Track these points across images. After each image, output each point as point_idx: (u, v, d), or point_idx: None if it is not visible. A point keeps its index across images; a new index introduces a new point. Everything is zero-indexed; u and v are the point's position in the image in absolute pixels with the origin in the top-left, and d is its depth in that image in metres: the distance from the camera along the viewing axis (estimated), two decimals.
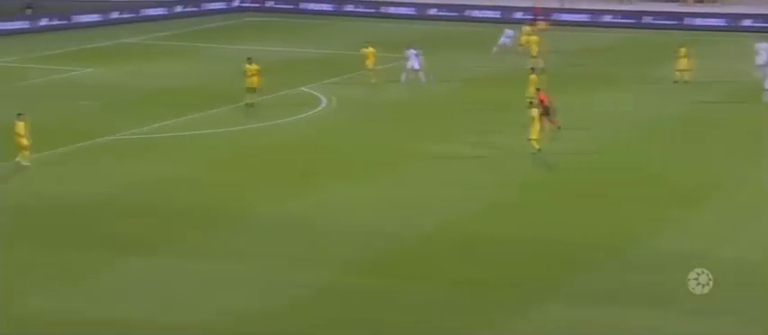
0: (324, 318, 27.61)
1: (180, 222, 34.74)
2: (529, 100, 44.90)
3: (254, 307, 28.12)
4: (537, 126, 41.70)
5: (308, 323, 27.34)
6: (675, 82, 56.07)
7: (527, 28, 65.41)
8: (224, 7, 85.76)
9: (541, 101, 44.55)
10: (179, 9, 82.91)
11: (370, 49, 56.93)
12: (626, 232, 33.68)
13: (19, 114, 41.21)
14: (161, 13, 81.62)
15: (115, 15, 79.44)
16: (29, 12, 78.12)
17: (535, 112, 42.08)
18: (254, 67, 50.79)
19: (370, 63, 56.59)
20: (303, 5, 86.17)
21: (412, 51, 57.05)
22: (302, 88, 55.49)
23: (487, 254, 31.88)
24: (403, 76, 56.58)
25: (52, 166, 41.52)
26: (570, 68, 62.22)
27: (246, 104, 50.42)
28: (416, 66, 56.56)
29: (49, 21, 76.02)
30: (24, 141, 40.80)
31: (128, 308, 28.15)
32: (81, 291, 29.21)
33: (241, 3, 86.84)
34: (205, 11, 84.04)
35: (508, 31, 65.37)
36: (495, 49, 64.53)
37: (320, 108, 51.34)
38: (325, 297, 28.87)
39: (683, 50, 56.71)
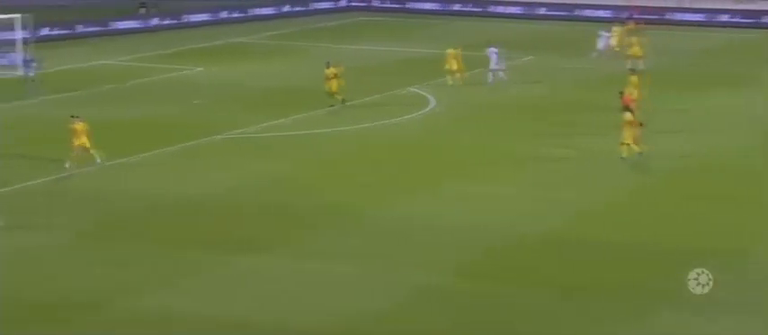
0: (431, 321, 27.44)
1: (290, 222, 34.86)
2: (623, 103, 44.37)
3: (363, 308, 28.08)
4: (630, 131, 41.04)
5: (415, 326, 27.21)
6: None
7: (617, 28, 64.55)
8: (331, 7, 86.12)
9: (625, 102, 43.98)
10: (287, 9, 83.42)
11: (453, 51, 56.40)
12: (745, 238, 33.01)
13: (73, 116, 40.99)
14: (270, 12, 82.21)
15: (225, 15, 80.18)
16: (143, 11, 79.23)
17: (628, 115, 41.48)
18: (332, 70, 50.65)
19: (453, 65, 56.00)
20: (410, 5, 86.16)
21: (492, 50, 56.57)
22: (410, 88, 55.41)
23: (597, 258, 31.47)
24: (490, 77, 56.18)
25: (164, 164, 41.96)
26: (686, 69, 61.32)
27: (330, 106, 50.24)
28: (494, 65, 56.09)
29: (161, 20, 77.03)
30: (83, 142, 40.21)
31: (235, 307, 28.26)
32: (191, 289, 29.44)
33: (349, 2, 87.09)
34: (313, 10, 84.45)
35: (604, 33, 64.31)
36: (594, 54, 63.56)
37: (429, 108, 51.23)
38: (434, 299, 28.72)
39: None
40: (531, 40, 71.25)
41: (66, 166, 39.99)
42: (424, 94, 54.08)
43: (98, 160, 40.35)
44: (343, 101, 50.34)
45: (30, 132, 46.68)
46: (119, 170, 40.81)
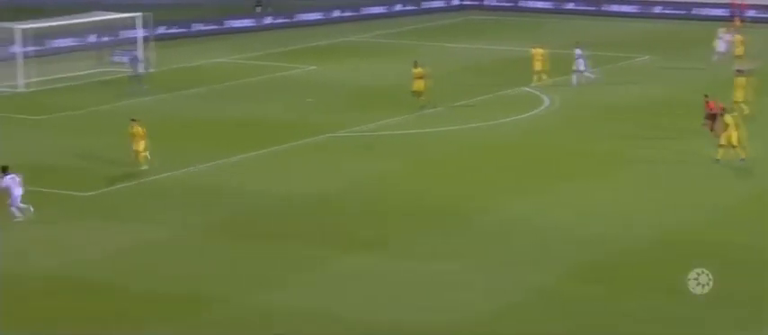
0: (545, 323, 27.24)
1: (398, 222, 34.89)
2: (734, 105, 43.47)
3: (472, 309, 27.99)
4: (732, 133, 40.17)
5: (529, 328, 27.05)
6: None
7: (722, 29, 63.16)
8: (443, 6, 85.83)
9: (709, 108, 42.99)
10: (399, 8, 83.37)
11: (538, 51, 55.77)
12: None
13: (133, 120, 41.12)
14: (381, 11, 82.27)
15: (337, 14, 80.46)
16: (258, 9, 79.90)
17: (729, 118, 40.62)
18: (419, 70, 50.29)
19: (537, 65, 55.28)
20: (522, 3, 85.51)
21: (578, 51, 55.83)
22: (523, 88, 55.00)
23: (710, 263, 30.75)
24: (574, 79, 55.46)
25: (275, 162, 42.22)
26: None
27: (421, 107, 49.95)
28: (581, 67, 55.40)
29: (274, 19, 77.54)
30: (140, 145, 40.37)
31: (346, 304, 28.41)
32: (302, 285, 29.64)
33: (461, 1, 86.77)
34: (425, 9, 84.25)
35: (724, 35, 62.74)
36: (714, 57, 62.17)
37: (541, 109, 50.78)
38: (547, 302, 28.52)
39: None
40: (646, 39, 70.26)
41: (145, 167, 40.05)
42: (537, 94, 53.63)
43: (144, 167, 40.23)
44: (425, 105, 49.82)
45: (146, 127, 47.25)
46: (231, 168, 41.17)
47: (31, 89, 54.83)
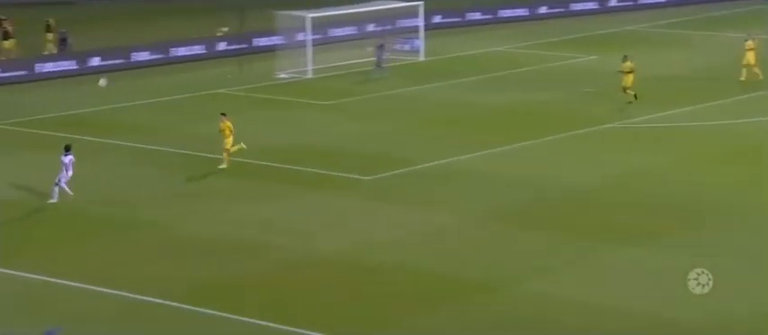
0: None
1: (675, 216, 34.72)
2: None
3: (743, 309, 27.51)
4: None
5: None
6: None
7: None
8: None
9: None
10: None
11: (751, 43, 52.84)
12: None
13: (222, 114, 40.47)
14: (660, 0, 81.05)
15: (613, 3, 79.74)
16: None
17: None
18: (628, 64, 49.08)
19: (750, 59, 52.39)
20: None
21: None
22: None
23: None
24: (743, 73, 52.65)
25: (553, 151, 42.58)
26: None
27: (628, 102, 48.87)
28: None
29: (549, 9, 77.47)
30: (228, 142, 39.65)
31: (620, 296, 28.43)
32: (576, 275, 29.91)
33: None
34: None
35: None
36: None
37: None
38: None
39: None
40: None
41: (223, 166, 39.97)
42: None
43: (221, 166, 39.88)
44: (635, 97, 48.80)
45: (424, 114, 48.39)
46: (506, 156, 41.70)
47: (317, 76, 56.80)
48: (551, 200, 36.62)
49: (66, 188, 36.29)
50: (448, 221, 34.51)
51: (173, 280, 29.68)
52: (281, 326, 26.67)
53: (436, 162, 40.78)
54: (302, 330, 26.48)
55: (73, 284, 29.37)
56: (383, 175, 39.44)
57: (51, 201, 36.34)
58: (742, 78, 52.27)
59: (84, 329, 26.79)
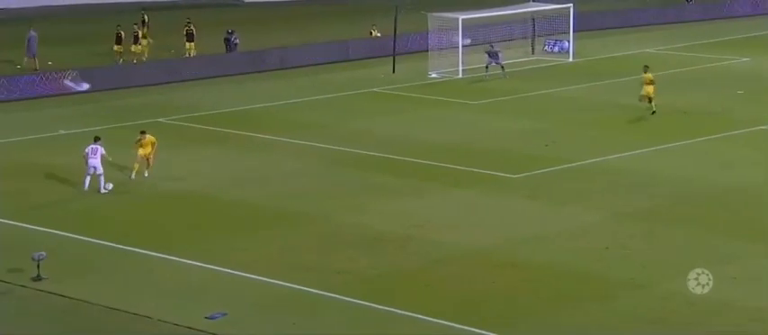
0: None
1: None
2: None
3: None
4: None
5: None
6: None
7: None
8: None
9: None
10: None
11: (648, 76, 49.62)
12: None
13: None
14: None
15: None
16: (690, 1, 79.79)
17: None
18: (648, 76, 48.11)
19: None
20: None
21: None
22: None
23: None
24: None
25: (706, 152, 42.77)
26: None
27: (652, 112, 48.10)
28: None
29: (703, 13, 77.01)
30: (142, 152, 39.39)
31: (760, 296, 28.62)
32: (729, 277, 29.93)
33: None
34: None
35: None
36: None
37: None
38: None
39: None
40: None
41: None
42: None
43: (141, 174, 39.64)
44: (653, 112, 48.14)
45: (574, 114, 48.98)
46: (656, 156, 42.02)
47: (467, 76, 57.76)
48: (700, 200, 36.83)
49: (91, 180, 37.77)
50: (594, 219, 35.08)
51: (327, 271, 30.74)
52: (428, 318, 27.45)
53: (585, 161, 41.32)
54: (448, 322, 27.22)
55: (235, 273, 30.68)
56: (533, 173, 40.17)
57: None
58: None
59: (246, 315, 28.00)
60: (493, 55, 57.18)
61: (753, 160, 41.44)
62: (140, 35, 62.39)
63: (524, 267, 31.04)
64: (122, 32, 61.64)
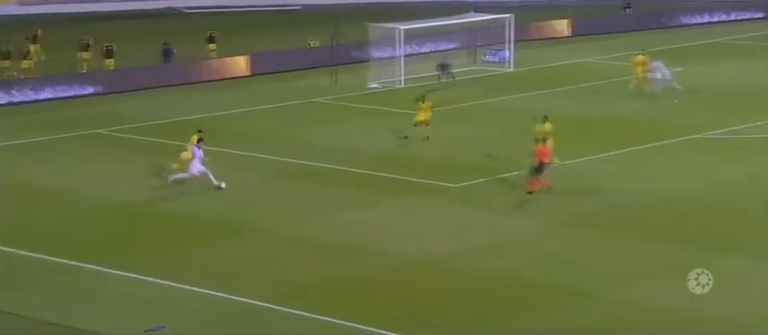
0: None
1: (765, 225, 34.98)
2: None
3: None
4: None
5: None
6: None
7: None
8: None
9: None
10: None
11: (640, 58, 53.90)
12: None
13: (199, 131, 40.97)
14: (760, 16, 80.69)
15: (706, 18, 79.56)
16: (628, 12, 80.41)
17: None
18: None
19: (640, 71, 53.14)
20: None
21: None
22: None
23: None
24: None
25: (642, 161, 43.09)
26: None
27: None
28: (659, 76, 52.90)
29: (641, 22, 77.56)
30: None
31: (710, 304, 28.74)
32: (667, 284, 30.16)
33: None
34: None
35: None
36: None
37: None
38: None
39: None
40: None
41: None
42: None
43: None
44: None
45: (513, 123, 49.20)
46: (595, 165, 42.30)
47: (408, 85, 57.85)
48: (642, 208, 37.10)
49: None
50: (536, 227, 35.23)
51: (271, 281, 30.64)
52: (377, 329, 27.42)
53: (519, 172, 41.44)
54: (397, 333, 27.20)
55: (177, 285, 30.45)
56: (475, 182, 40.29)
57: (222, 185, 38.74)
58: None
59: (186, 328, 27.82)
60: (444, 67, 57.48)
61: (692, 168, 41.84)
62: (32, 50, 61.52)
63: (471, 276, 31.11)
64: (10, 48, 60.54)
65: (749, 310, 28.65)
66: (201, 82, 59.52)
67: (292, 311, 28.61)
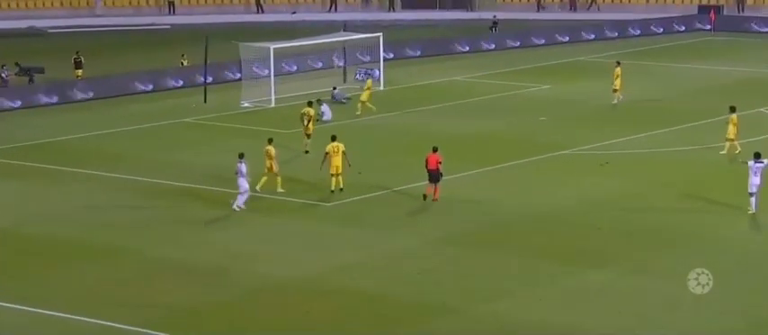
0: None
1: (636, 240, 35.81)
2: None
3: (713, 327, 28.66)
4: None
5: None
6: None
7: None
8: (682, 29, 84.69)
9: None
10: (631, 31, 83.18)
11: (617, 70, 56.51)
12: None
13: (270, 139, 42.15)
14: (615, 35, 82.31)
15: (567, 37, 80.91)
16: (495, 31, 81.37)
17: None
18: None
19: (618, 83, 56.02)
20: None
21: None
22: (762, 109, 54.82)
23: None
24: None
25: (510, 178, 43.70)
26: None
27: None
28: None
29: (507, 41, 78.66)
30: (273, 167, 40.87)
31: (574, 317, 29.49)
32: (532, 298, 30.95)
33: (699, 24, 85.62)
34: (659, 32, 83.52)
35: None
36: None
37: None
38: None
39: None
40: None
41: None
42: None
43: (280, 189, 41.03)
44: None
45: (383, 141, 49.52)
46: (464, 182, 42.78)
47: (280, 105, 57.83)
48: (509, 224, 37.71)
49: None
50: (408, 245, 35.53)
51: (138, 305, 30.40)
52: None
53: (397, 187, 41.81)
54: None
55: (40, 311, 30.05)
56: (346, 200, 40.45)
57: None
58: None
59: None
60: (336, 96, 57.86)
61: (561, 184, 42.56)
62: None
63: (342, 295, 31.28)
64: None
65: (608, 323, 29.19)
66: (69, 102, 58.61)
67: (158, 333, 28.41)
